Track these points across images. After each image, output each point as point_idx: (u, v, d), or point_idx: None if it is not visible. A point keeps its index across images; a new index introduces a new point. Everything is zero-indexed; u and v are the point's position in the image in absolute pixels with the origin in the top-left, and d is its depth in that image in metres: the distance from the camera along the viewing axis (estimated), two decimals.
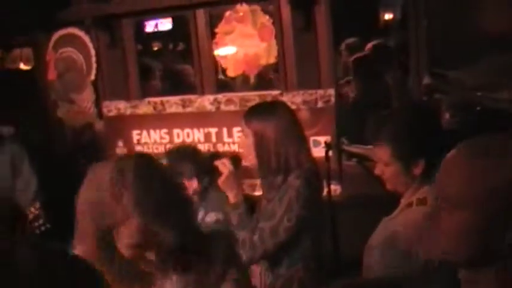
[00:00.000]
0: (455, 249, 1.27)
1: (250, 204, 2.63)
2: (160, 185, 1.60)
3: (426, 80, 4.19)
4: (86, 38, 4.88)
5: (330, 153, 3.70)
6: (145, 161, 1.66)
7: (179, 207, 1.64)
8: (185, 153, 3.34)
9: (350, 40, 5.93)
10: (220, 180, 2.54)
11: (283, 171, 2.51)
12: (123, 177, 1.54)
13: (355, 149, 3.70)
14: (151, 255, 1.59)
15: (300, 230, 2.48)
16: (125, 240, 1.55)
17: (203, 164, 3.21)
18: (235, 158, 2.64)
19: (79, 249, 1.59)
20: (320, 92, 4.10)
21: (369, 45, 5.38)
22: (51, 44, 5.07)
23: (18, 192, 3.52)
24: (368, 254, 2.25)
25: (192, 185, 3.19)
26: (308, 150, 2.65)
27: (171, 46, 6.50)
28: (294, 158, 2.53)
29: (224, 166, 2.55)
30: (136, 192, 1.53)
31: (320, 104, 4.09)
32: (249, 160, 2.59)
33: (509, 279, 1.28)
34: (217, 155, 3.58)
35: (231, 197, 2.56)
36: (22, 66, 6.41)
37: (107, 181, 1.54)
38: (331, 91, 4.09)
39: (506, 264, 1.26)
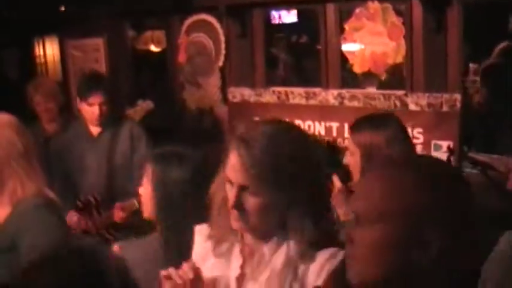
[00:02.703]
0: (370, 267, 1.21)
1: None
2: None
3: None
4: (217, 25, 5.06)
5: (451, 159, 3.67)
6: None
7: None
8: None
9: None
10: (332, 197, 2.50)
11: None
12: None
13: (481, 157, 3.64)
14: None
15: None
16: None
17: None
18: (345, 173, 2.59)
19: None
20: (446, 95, 4.03)
21: (496, 50, 5.23)
22: (184, 28, 5.29)
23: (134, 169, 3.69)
24: (489, 269, 2.19)
25: None
26: None
27: (294, 38, 6.61)
28: None
29: (333, 183, 2.54)
30: None
31: (445, 108, 4.03)
32: (356, 178, 2.52)
33: None
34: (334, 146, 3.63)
35: (341, 214, 2.52)
36: (153, 48, 6.71)
37: None
38: (458, 96, 4.02)
39: (425, 284, 1.20)
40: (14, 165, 2.37)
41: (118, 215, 3.63)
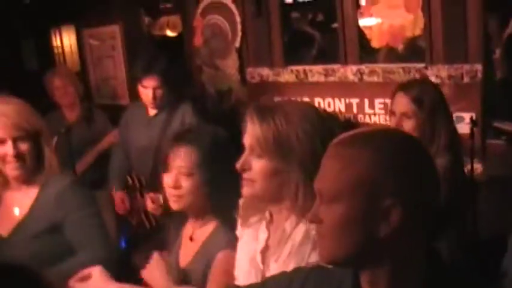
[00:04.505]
0: (338, 246, 1.22)
1: None
2: None
3: None
4: (232, 6, 5.04)
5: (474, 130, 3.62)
6: None
7: None
8: None
9: None
10: None
11: None
12: None
13: (507, 126, 3.58)
14: None
15: None
16: None
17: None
18: None
19: None
20: (466, 66, 3.97)
21: None
22: (199, 10, 5.28)
23: None
24: None
25: None
26: None
27: (310, 16, 6.54)
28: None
29: None
30: None
31: (466, 79, 3.97)
32: None
33: (404, 279, 1.24)
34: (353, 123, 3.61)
35: None
36: (168, 33, 6.71)
37: None
38: (479, 66, 3.96)
39: (401, 264, 1.23)
40: (47, 142, 2.36)
41: (149, 204, 3.65)
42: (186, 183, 2.13)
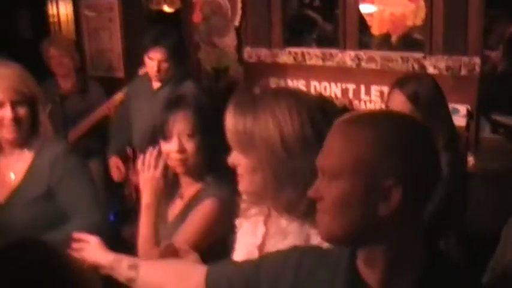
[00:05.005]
0: (338, 223, 1.24)
1: None
2: None
3: None
4: None
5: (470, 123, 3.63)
6: None
7: None
8: None
9: None
10: None
11: None
12: None
13: (506, 119, 3.60)
14: None
15: None
16: None
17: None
18: None
19: None
20: (465, 59, 3.98)
21: None
22: None
23: None
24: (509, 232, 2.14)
25: None
26: None
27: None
28: None
29: None
30: None
31: (464, 72, 3.98)
32: None
33: (400, 262, 1.26)
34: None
35: None
36: (166, 8, 6.63)
37: None
38: (477, 59, 3.97)
39: (398, 246, 1.24)
40: (43, 108, 2.36)
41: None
42: (189, 145, 2.21)
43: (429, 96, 2.81)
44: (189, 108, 2.24)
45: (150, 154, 2.23)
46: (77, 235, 1.89)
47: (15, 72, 2.27)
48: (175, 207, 2.32)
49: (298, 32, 4.94)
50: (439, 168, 1.29)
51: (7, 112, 2.22)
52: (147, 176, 2.21)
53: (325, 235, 1.28)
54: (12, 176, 2.32)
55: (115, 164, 3.95)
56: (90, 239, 1.88)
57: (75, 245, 1.87)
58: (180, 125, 2.21)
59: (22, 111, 2.25)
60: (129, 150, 3.78)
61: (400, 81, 2.90)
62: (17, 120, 2.24)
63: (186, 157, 2.22)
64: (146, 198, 2.22)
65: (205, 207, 2.18)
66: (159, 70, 3.69)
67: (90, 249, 1.86)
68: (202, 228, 2.15)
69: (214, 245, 2.10)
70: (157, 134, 2.27)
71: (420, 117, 2.68)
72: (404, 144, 1.22)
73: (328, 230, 1.26)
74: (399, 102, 2.79)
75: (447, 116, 2.91)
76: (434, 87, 2.90)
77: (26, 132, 2.30)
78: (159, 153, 2.24)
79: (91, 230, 1.95)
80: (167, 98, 3.65)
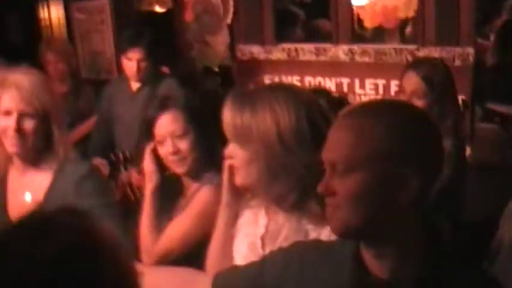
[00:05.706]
0: (355, 216, 1.21)
1: None
2: None
3: None
4: None
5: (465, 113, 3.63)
6: None
7: None
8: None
9: None
10: None
11: None
12: None
13: (502, 108, 3.59)
14: None
15: None
16: None
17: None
18: None
19: None
20: (458, 49, 3.98)
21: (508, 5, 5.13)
22: None
23: None
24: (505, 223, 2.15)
25: None
26: None
27: None
28: None
29: None
30: None
31: (457, 62, 3.98)
32: None
33: (409, 251, 1.25)
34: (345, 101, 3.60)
35: None
36: (157, 8, 6.62)
37: None
38: (470, 49, 3.97)
39: (407, 236, 1.24)
40: (58, 125, 2.15)
41: (134, 176, 3.61)
42: (183, 144, 2.23)
43: (442, 78, 2.87)
44: (176, 107, 2.25)
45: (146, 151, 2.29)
46: None
47: (31, 81, 2.07)
48: (180, 207, 2.35)
49: (281, 28, 4.93)
50: (444, 155, 1.30)
51: (12, 122, 2.04)
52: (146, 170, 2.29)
53: (340, 229, 1.25)
54: (28, 196, 2.15)
55: (97, 164, 3.90)
56: None
57: None
58: (170, 126, 2.23)
59: (29, 124, 2.05)
60: (113, 156, 3.74)
61: (415, 63, 3.02)
62: (21, 132, 2.05)
63: (182, 157, 2.24)
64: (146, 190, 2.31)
65: (202, 195, 2.23)
66: (138, 70, 3.67)
67: None
68: (199, 215, 2.19)
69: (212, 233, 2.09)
70: (146, 135, 2.30)
71: (433, 98, 2.79)
72: (417, 133, 1.22)
73: (344, 224, 1.23)
74: (414, 82, 2.83)
75: (456, 100, 2.98)
76: (446, 71, 2.97)
77: (33, 148, 2.11)
78: (152, 149, 2.28)
79: None
80: (150, 99, 3.70)
